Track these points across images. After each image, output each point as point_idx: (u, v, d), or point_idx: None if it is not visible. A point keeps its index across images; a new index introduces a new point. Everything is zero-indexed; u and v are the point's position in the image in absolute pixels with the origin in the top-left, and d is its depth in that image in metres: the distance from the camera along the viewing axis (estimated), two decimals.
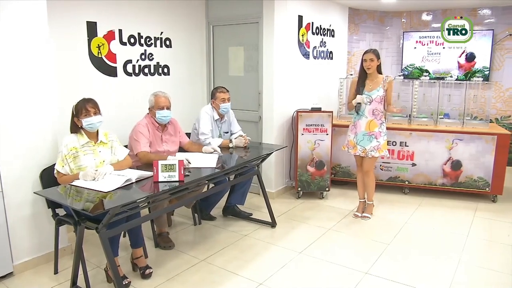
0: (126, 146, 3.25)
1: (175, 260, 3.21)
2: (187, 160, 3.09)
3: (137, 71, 4.12)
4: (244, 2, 4.57)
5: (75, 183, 2.64)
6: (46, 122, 3.02)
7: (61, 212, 2.88)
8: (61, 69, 3.40)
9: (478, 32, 5.69)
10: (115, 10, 3.83)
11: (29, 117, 2.92)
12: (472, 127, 4.60)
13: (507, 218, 4.09)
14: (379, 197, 4.55)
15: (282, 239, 3.62)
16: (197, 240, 3.59)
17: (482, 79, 4.98)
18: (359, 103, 3.84)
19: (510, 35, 5.63)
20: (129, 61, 4.04)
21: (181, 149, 3.62)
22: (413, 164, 4.71)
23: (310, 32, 4.96)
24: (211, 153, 3.47)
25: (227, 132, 4.04)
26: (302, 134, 4.55)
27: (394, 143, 4.70)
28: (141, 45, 4.14)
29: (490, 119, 5.25)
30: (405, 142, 4.70)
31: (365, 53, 3.84)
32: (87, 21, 3.63)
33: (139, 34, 4.10)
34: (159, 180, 2.75)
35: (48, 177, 2.87)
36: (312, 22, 5.00)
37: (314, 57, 5.13)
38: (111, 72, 3.89)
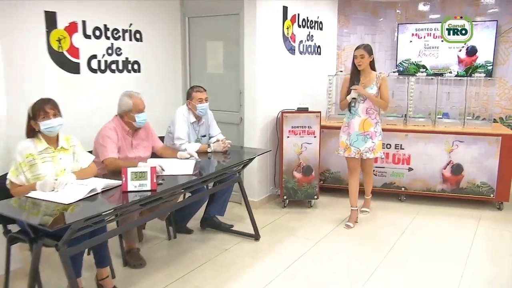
0: (90, 152, 3.20)
1: (146, 280, 3.16)
2: (160, 166, 3.06)
3: (103, 67, 4.07)
4: None
5: (32, 194, 2.58)
6: None
7: (14, 228, 2.79)
8: (14, 65, 3.33)
9: (481, 23, 5.62)
10: None
11: None
12: (473, 128, 4.68)
13: None
14: (373, 205, 4.60)
15: (267, 253, 3.62)
16: (171, 257, 3.56)
17: (484, 75, 5.06)
18: (354, 98, 3.89)
19: None
20: (94, 56, 3.99)
21: (154, 155, 3.59)
22: (410, 169, 4.76)
23: (296, 24, 4.99)
24: (187, 158, 3.45)
25: (204, 136, 4.03)
26: (288, 137, 4.56)
27: (388, 146, 4.75)
28: (108, 38, 4.09)
29: (494, 119, 5.28)
30: (401, 145, 4.75)
31: (356, 49, 3.94)
32: (45, 11, 3.56)
33: (105, 26, 4.05)
34: (129, 189, 2.71)
35: None
36: (298, 14, 5.02)
37: (301, 52, 5.16)
38: (73, 68, 3.83)
